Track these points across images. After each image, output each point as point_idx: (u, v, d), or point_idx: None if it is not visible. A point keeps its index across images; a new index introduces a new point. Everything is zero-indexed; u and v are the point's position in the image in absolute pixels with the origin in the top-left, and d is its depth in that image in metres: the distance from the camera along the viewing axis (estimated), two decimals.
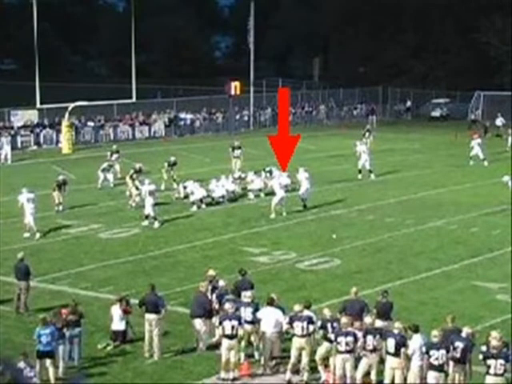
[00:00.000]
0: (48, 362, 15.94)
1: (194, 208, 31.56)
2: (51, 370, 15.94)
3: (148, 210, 29.01)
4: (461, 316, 18.76)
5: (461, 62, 74.33)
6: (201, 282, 18.59)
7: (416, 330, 15.51)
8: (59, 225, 29.11)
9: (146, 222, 29.01)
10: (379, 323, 16.81)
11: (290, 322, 16.41)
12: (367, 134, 46.58)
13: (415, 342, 15.34)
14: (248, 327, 17.07)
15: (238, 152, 39.10)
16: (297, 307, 16.60)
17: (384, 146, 47.79)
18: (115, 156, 38.29)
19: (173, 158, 36.03)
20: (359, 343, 15.68)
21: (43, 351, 15.93)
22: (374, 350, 15.73)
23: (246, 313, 17.04)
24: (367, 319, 16.13)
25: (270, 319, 16.75)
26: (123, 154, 40.48)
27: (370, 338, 15.71)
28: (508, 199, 31.44)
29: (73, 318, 17.09)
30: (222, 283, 18.37)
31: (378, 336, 15.72)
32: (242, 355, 17.06)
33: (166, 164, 35.66)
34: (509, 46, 70.24)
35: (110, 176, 35.87)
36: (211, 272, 18.80)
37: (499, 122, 55.40)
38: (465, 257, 25.21)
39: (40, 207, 30.11)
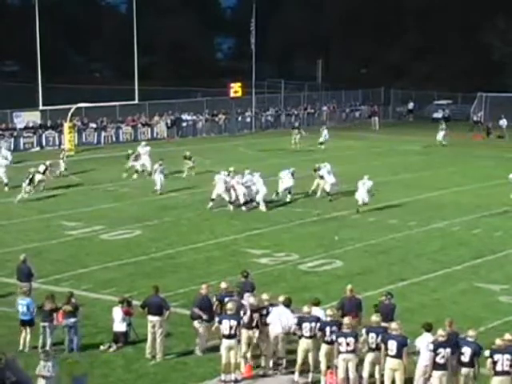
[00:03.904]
0: (28, 329, 17.84)
1: (245, 208, 31.36)
2: (27, 337, 17.84)
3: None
4: (463, 318, 18.80)
5: (463, 64, 74.29)
6: (203, 283, 18.59)
7: (428, 328, 15.48)
8: (62, 226, 29.11)
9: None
10: (382, 325, 16.79)
11: (299, 323, 16.34)
12: (296, 131, 47.14)
13: (423, 340, 15.31)
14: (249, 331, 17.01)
15: None
16: (305, 308, 16.57)
17: (386, 147, 47.77)
18: None
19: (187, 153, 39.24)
20: (361, 339, 15.61)
21: (23, 320, 17.98)
22: (377, 348, 15.67)
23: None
24: (374, 317, 16.05)
25: (281, 319, 16.67)
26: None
27: (372, 335, 15.67)
28: (510, 201, 31.40)
29: (68, 309, 17.63)
30: (223, 285, 18.34)
31: (380, 335, 15.68)
32: (249, 356, 17.06)
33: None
34: (511, 48, 70.23)
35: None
36: (223, 285, 18.40)
37: (502, 123, 55.39)
38: (467, 258, 25.19)
39: (42, 208, 30.15)
